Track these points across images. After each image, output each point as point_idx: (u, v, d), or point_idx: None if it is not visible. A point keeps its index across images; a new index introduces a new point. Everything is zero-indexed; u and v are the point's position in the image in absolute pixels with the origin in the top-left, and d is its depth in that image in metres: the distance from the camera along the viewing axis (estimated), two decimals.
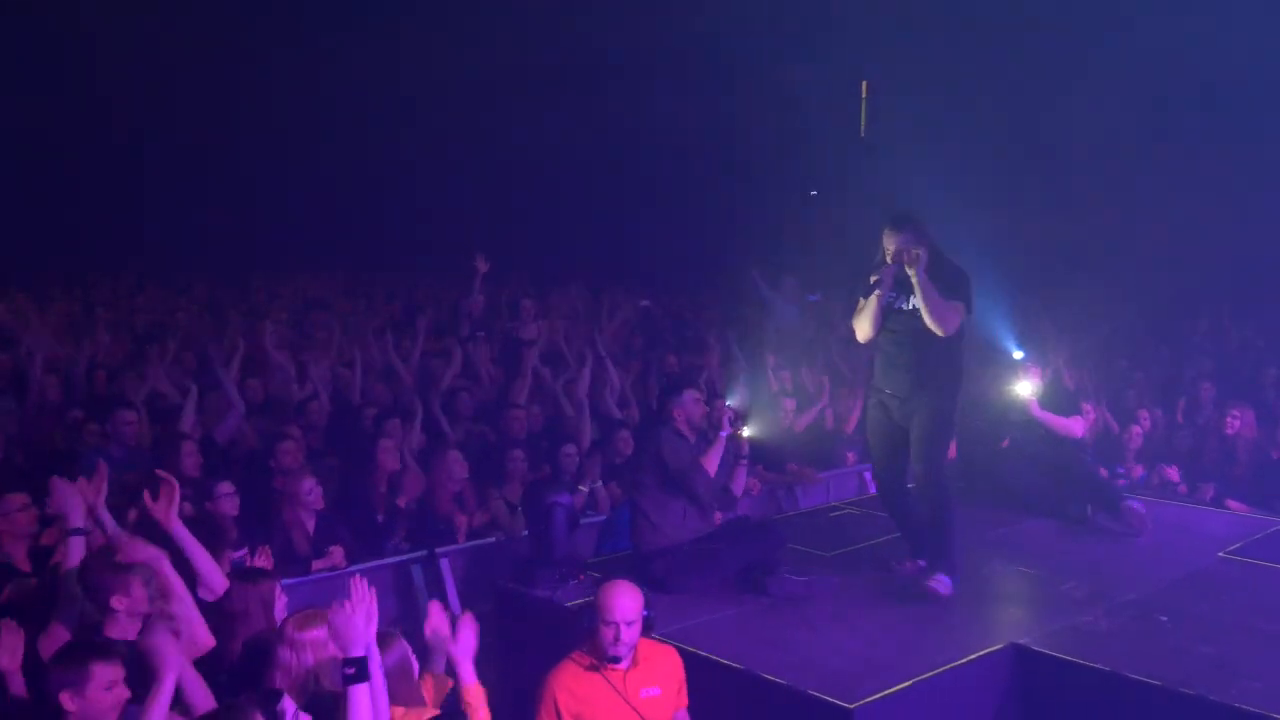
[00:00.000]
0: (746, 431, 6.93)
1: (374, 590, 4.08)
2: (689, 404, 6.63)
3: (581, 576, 6.43)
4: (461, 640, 4.58)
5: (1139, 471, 9.15)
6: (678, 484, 6.49)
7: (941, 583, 6.13)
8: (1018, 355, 8.05)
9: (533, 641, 6.36)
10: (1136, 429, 9.50)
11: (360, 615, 3.96)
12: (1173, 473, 9.00)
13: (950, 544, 6.29)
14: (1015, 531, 7.49)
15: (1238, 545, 7.14)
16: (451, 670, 4.63)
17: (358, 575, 4.15)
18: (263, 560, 5.41)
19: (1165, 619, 5.85)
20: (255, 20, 24.46)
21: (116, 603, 4.44)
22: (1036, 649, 5.46)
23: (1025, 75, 20.00)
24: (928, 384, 6.29)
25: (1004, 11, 19.74)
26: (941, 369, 6.29)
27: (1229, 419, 9.13)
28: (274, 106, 26.15)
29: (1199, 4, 17.28)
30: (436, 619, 4.70)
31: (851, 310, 6.53)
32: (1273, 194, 17.29)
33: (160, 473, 5.07)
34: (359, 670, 3.92)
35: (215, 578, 5.03)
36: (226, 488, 6.78)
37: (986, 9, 20.01)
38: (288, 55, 25.01)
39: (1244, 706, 4.80)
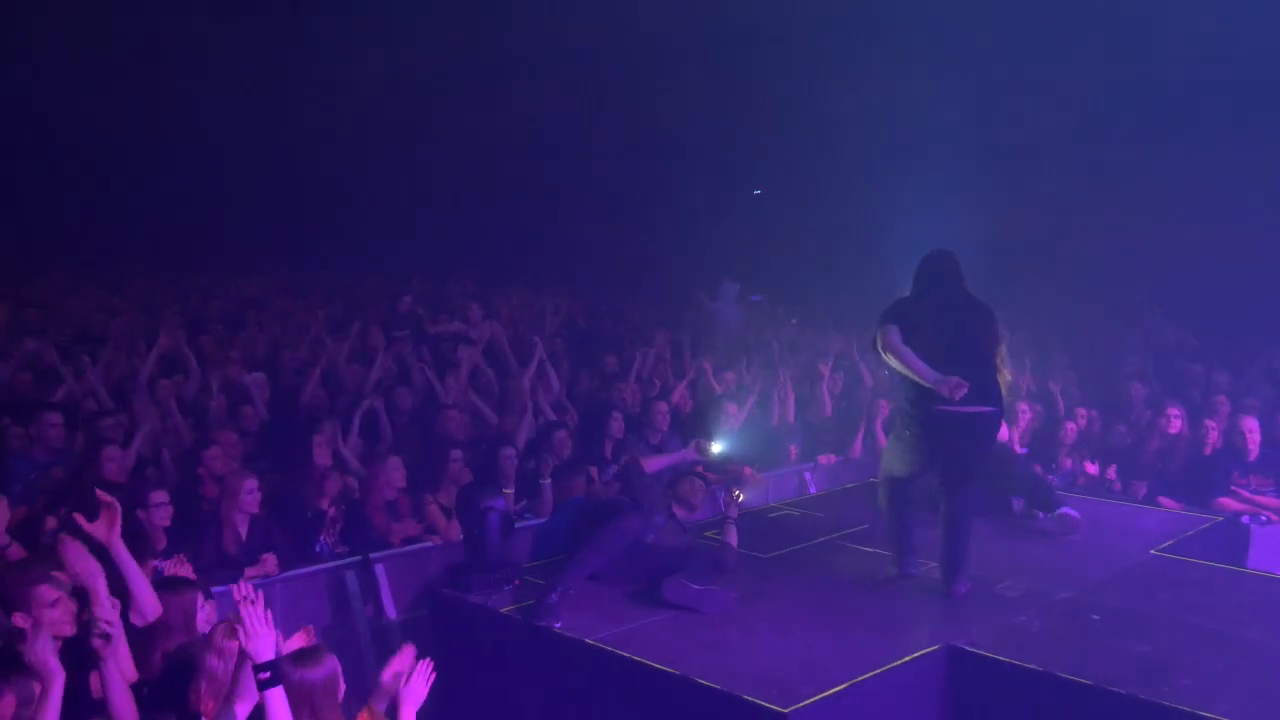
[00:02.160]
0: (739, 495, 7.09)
1: (260, 595, 4.05)
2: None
3: (517, 581, 6.36)
4: (412, 686, 4.51)
5: (1068, 464, 9.24)
6: None
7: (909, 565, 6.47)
8: None
9: (467, 647, 6.30)
10: (1071, 425, 9.58)
11: (258, 620, 3.92)
12: (1092, 467, 9.11)
13: (896, 544, 6.54)
14: None
15: (1170, 543, 7.23)
16: (392, 712, 4.56)
17: (246, 588, 4.06)
18: (177, 567, 5.28)
19: (1097, 618, 5.90)
20: (194, 19, 24.13)
21: (21, 620, 4.30)
22: (970, 649, 5.48)
23: (965, 75, 20.19)
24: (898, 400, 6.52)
25: (948, 10, 19.94)
26: (907, 389, 6.26)
27: (1171, 418, 9.24)
28: (214, 105, 25.83)
29: (1138, 6, 17.54)
30: (402, 664, 4.62)
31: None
32: (1209, 195, 17.62)
33: (102, 494, 4.90)
34: (273, 674, 3.89)
35: (149, 603, 4.87)
36: (160, 497, 6.61)
37: (931, 7, 20.20)
38: (225, 55, 24.71)
39: (1175, 705, 4.84)
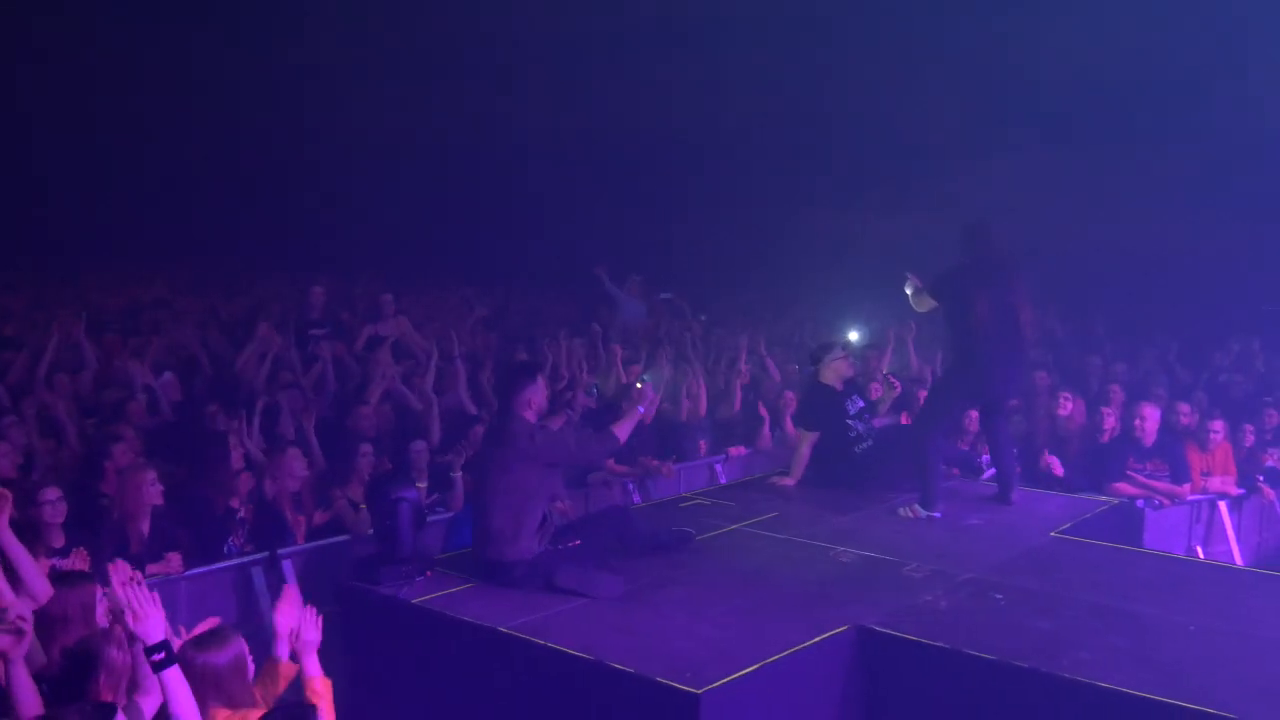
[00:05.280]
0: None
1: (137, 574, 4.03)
2: (540, 391, 6.49)
3: (428, 573, 6.30)
4: (305, 634, 4.47)
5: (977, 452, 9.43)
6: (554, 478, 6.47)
7: (917, 511, 7.60)
8: (853, 336, 8.37)
9: (378, 641, 6.23)
10: (974, 413, 9.77)
11: (145, 600, 3.87)
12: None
13: (927, 486, 7.63)
14: (859, 518, 7.65)
15: (1068, 525, 7.43)
16: (296, 659, 4.52)
17: (121, 574, 4.00)
18: (79, 561, 5.15)
19: (1001, 597, 6.04)
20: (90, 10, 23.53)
21: None
22: (879, 629, 5.57)
23: (865, 79, 20.53)
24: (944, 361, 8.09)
25: (848, 17, 20.23)
26: (950, 352, 7.98)
27: (1061, 401, 9.50)
28: (110, 98, 25.18)
29: (1026, 17, 18.01)
30: (287, 604, 4.57)
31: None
32: (1102, 193, 18.14)
33: None
34: (166, 654, 3.83)
35: (39, 585, 4.76)
36: (52, 494, 6.48)
37: (832, 14, 20.49)
38: (123, 45, 24.12)
39: (1074, 677, 5.00)
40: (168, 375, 9.77)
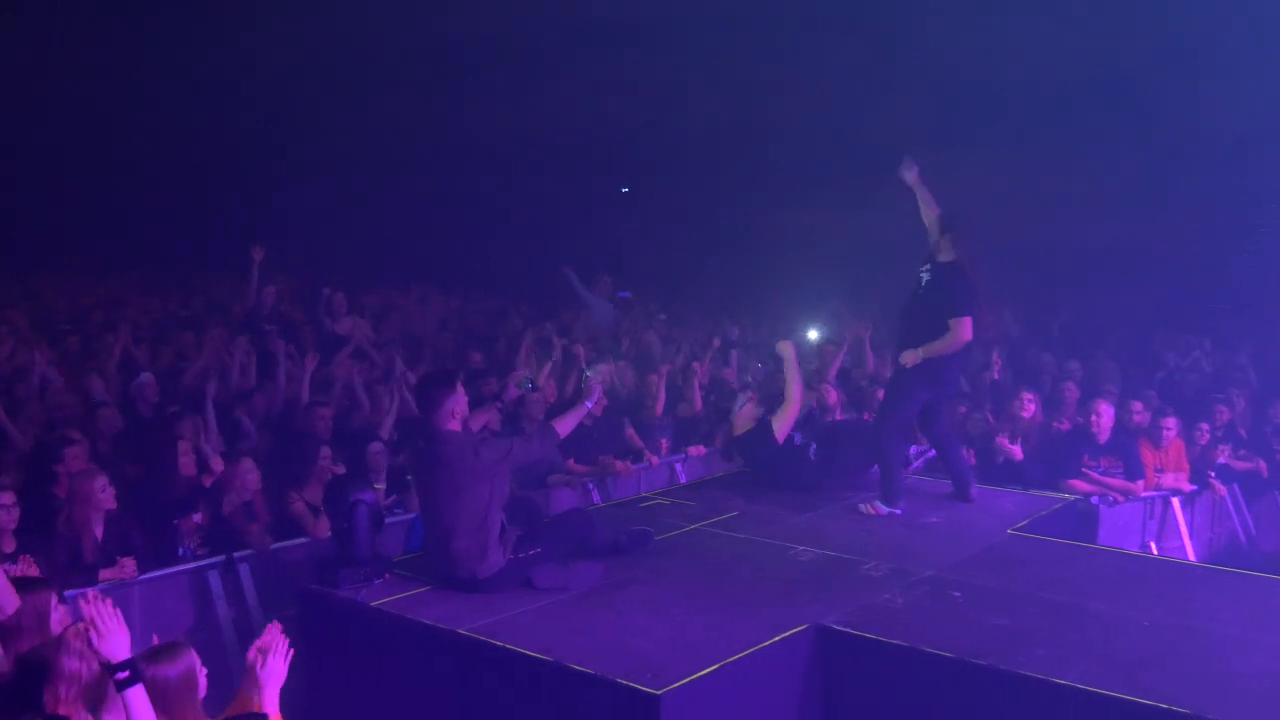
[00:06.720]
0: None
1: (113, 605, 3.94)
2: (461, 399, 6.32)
3: (387, 575, 6.26)
4: (270, 667, 4.22)
5: (933, 453, 9.49)
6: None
7: (878, 508, 7.64)
8: (813, 335, 8.39)
9: (337, 644, 6.18)
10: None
11: (112, 621, 3.82)
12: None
13: (888, 483, 7.72)
14: (819, 516, 7.69)
15: (1025, 522, 7.50)
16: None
17: (91, 593, 3.93)
18: (26, 568, 5.07)
19: (959, 594, 6.08)
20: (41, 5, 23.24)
21: None
22: (838, 628, 5.59)
23: (825, 79, 20.63)
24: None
25: (810, 17, 20.30)
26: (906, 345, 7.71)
27: (1025, 402, 9.58)
28: (62, 95, 24.86)
29: (990, 11, 18.16)
30: (265, 641, 4.42)
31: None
32: (1056, 190, 18.34)
33: None
34: (132, 673, 3.78)
35: (6, 595, 4.65)
36: (6, 498, 6.41)
37: (794, 13, 20.55)
38: (78, 43, 23.84)
39: (1030, 674, 5.04)
40: (146, 376, 9.63)
